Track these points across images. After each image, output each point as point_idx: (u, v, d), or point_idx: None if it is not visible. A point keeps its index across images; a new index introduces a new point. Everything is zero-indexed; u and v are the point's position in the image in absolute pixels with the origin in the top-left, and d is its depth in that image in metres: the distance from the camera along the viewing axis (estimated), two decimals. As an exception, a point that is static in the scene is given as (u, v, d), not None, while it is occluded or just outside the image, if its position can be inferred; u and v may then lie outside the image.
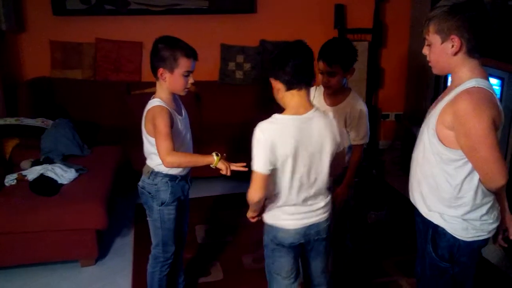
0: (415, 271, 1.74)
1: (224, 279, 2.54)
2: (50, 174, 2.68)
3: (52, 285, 2.49)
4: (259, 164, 1.54)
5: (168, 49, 1.83)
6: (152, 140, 1.88)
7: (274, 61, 1.60)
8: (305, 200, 1.65)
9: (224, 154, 1.85)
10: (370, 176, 3.68)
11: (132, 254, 2.75)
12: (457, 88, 1.42)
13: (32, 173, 2.71)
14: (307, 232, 1.69)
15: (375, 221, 3.06)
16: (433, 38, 1.43)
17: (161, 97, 1.89)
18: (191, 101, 3.71)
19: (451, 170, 1.45)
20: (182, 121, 1.97)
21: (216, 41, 4.04)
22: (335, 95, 2.08)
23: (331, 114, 1.70)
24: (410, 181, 1.61)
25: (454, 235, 1.50)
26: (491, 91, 1.41)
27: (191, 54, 1.87)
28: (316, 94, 2.12)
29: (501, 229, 1.58)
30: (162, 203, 1.98)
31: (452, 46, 1.40)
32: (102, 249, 2.72)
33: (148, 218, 2.06)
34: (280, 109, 2.03)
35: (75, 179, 2.75)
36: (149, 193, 1.99)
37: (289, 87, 1.58)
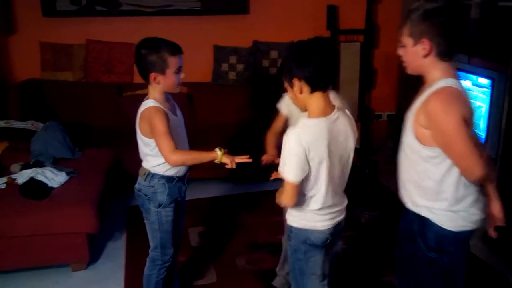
0: (394, 256, 1.80)
1: (218, 281, 2.52)
2: (40, 177, 2.65)
3: (42, 290, 2.46)
4: (291, 174, 1.53)
5: (154, 53, 1.82)
6: (147, 141, 1.87)
7: (300, 62, 1.51)
8: (336, 199, 1.66)
9: (226, 149, 1.86)
10: (364, 176, 3.69)
11: (124, 258, 2.72)
12: (429, 89, 1.50)
13: (22, 176, 2.67)
14: (336, 230, 1.70)
15: (368, 221, 3.06)
16: (407, 40, 1.52)
17: (155, 98, 1.88)
18: (184, 102, 3.68)
19: (431, 166, 1.52)
20: (177, 122, 1.96)
21: (208, 42, 4.02)
22: None
23: (348, 111, 1.66)
24: (398, 180, 1.68)
25: (441, 226, 1.56)
26: (461, 89, 1.49)
27: (177, 50, 1.86)
28: (287, 98, 2.10)
29: (491, 219, 1.64)
30: (160, 205, 1.96)
31: (423, 49, 1.49)
32: (93, 253, 2.68)
33: (145, 221, 2.04)
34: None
35: (66, 183, 2.71)
36: (146, 195, 1.97)
37: (314, 89, 1.54)
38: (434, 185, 1.54)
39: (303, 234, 1.68)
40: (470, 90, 2.82)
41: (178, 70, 1.87)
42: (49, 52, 3.82)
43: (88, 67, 3.90)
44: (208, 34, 4.01)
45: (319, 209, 1.63)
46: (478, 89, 2.74)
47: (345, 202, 1.73)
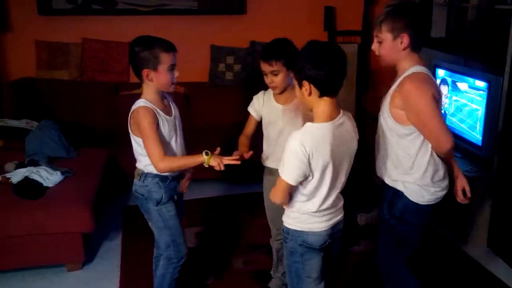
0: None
1: (214, 282, 2.51)
2: (35, 176, 2.62)
3: (37, 290, 2.44)
4: (290, 175, 1.54)
5: (146, 50, 1.82)
6: (139, 140, 1.87)
7: (314, 64, 1.50)
8: (334, 201, 1.66)
9: (218, 148, 1.84)
10: (360, 178, 3.69)
11: (120, 258, 2.70)
12: (401, 76, 1.72)
13: (16, 175, 2.65)
14: (333, 231, 1.70)
15: (365, 222, 3.06)
16: (385, 35, 1.70)
17: (147, 98, 1.87)
18: (180, 102, 3.66)
19: (406, 142, 1.74)
20: (170, 122, 1.93)
21: (205, 42, 4.01)
22: (284, 94, 2.03)
23: (349, 113, 1.66)
24: (376, 159, 1.89)
25: (409, 198, 1.78)
26: (428, 74, 1.72)
27: (170, 48, 1.86)
28: (265, 98, 2.08)
29: (459, 188, 1.87)
30: (158, 203, 1.95)
31: (402, 42, 1.69)
32: (89, 253, 2.67)
33: (149, 223, 2.02)
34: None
35: (61, 182, 2.69)
36: (142, 195, 1.97)
37: (323, 94, 1.54)
38: (408, 159, 1.75)
39: (299, 236, 1.67)
40: (466, 93, 2.83)
41: (172, 68, 1.86)
42: (45, 50, 3.79)
43: (84, 66, 3.87)
44: (205, 34, 4.00)
45: (316, 211, 1.63)
46: (474, 92, 2.75)
47: (341, 202, 1.73)
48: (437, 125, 1.66)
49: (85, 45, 3.85)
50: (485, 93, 2.64)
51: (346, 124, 1.61)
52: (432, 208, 1.83)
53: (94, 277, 2.54)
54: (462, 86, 2.86)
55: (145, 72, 1.83)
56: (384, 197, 1.88)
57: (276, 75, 1.96)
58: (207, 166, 1.81)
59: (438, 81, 3.00)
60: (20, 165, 2.78)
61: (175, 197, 2.03)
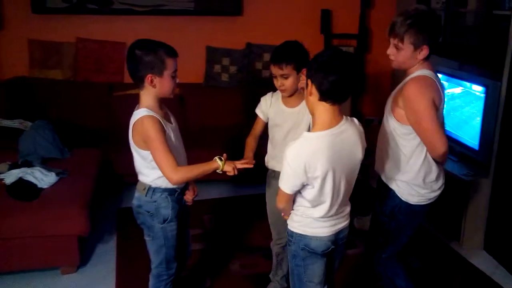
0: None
1: (212, 285, 2.49)
2: (29, 178, 2.57)
3: (30, 294, 2.39)
4: (286, 185, 1.57)
5: (152, 54, 1.71)
6: (144, 153, 1.76)
7: (320, 66, 1.49)
8: (339, 208, 1.65)
9: (225, 154, 1.78)
10: (356, 181, 3.69)
11: (115, 260, 2.66)
12: (407, 78, 1.79)
13: (10, 176, 2.59)
14: (337, 237, 1.69)
15: (361, 226, 3.06)
16: (407, 46, 1.75)
17: (148, 106, 1.75)
18: (175, 103, 3.64)
19: (404, 141, 1.79)
20: (173, 130, 1.85)
21: (201, 43, 3.99)
22: (292, 97, 2.03)
23: (356, 120, 1.64)
24: (376, 155, 1.95)
25: (401, 198, 1.84)
26: (434, 79, 1.77)
27: (173, 53, 1.78)
28: (273, 100, 2.07)
29: None
30: (164, 221, 1.86)
31: (421, 54, 1.75)
32: (83, 255, 2.62)
33: (146, 238, 1.92)
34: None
35: (55, 183, 2.64)
36: (148, 212, 1.85)
37: (322, 98, 1.52)
38: (404, 158, 1.80)
39: (302, 240, 1.66)
40: (463, 97, 2.85)
41: (174, 74, 1.78)
42: (38, 49, 3.73)
43: (77, 66, 3.83)
44: (201, 35, 3.98)
45: (320, 217, 1.62)
46: (471, 96, 2.76)
47: (348, 209, 1.72)
48: (433, 129, 1.70)
49: (79, 45, 3.80)
50: (482, 97, 2.65)
51: (349, 131, 1.57)
52: (423, 208, 1.87)
53: (89, 280, 2.50)
54: (459, 90, 2.88)
55: (149, 77, 1.72)
56: (377, 193, 1.95)
57: (286, 78, 1.95)
58: (220, 172, 1.75)
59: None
60: (14, 166, 2.72)
61: (180, 209, 1.94)
